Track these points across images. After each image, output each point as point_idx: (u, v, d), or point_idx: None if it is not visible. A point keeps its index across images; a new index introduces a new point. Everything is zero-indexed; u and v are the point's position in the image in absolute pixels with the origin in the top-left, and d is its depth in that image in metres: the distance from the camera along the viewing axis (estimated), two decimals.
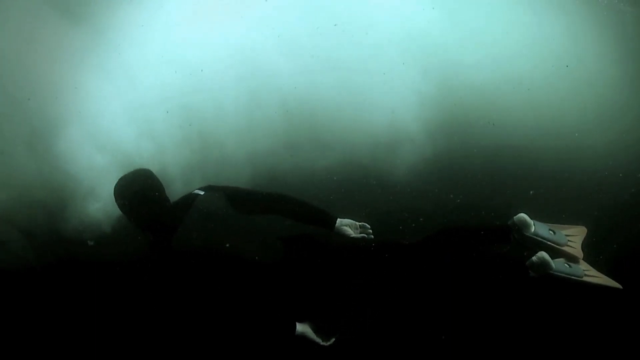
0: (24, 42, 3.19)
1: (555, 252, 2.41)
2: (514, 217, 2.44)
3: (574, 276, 2.33)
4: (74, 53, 3.35)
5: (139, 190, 2.35)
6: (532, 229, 2.42)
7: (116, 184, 2.38)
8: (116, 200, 2.38)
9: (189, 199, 2.40)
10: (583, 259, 2.44)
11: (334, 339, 2.21)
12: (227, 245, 2.24)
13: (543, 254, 2.31)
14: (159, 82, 3.73)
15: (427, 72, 3.87)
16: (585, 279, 2.34)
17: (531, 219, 2.44)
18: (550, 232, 2.47)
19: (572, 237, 2.51)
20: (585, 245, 2.47)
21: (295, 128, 3.89)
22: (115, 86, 3.59)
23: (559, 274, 2.31)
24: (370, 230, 2.60)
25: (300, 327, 2.17)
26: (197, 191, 2.44)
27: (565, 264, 2.37)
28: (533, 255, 2.32)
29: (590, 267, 2.41)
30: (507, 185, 3.09)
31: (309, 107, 3.92)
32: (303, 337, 2.16)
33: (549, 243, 2.42)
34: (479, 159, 3.40)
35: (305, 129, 3.90)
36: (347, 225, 2.56)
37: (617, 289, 2.33)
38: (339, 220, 2.56)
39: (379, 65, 3.88)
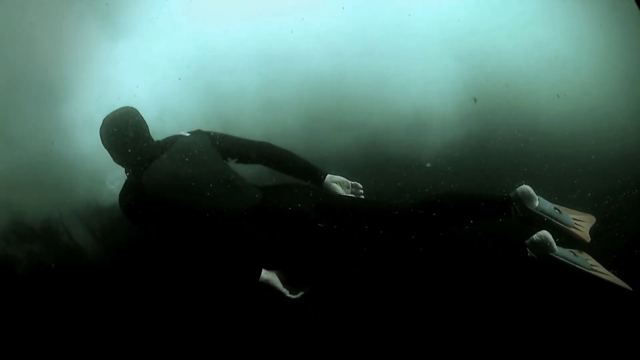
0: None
1: (560, 233, 2.21)
2: (517, 189, 2.24)
3: (579, 266, 2.11)
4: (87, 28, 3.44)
5: (121, 125, 2.33)
6: (536, 204, 2.22)
7: (102, 120, 2.38)
8: (100, 135, 2.38)
9: (172, 139, 2.39)
10: (591, 256, 2.21)
11: (301, 293, 2.10)
12: (197, 184, 2.20)
13: (545, 233, 2.12)
14: (178, 58, 3.75)
15: (460, 55, 3.72)
16: (592, 272, 2.12)
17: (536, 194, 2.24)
18: (556, 210, 2.26)
19: (580, 223, 2.28)
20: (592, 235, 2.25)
21: (316, 109, 3.82)
22: (131, 66, 3.65)
23: (561, 259, 2.11)
24: (362, 191, 2.50)
25: (267, 275, 2.08)
26: (183, 133, 2.43)
27: (571, 252, 2.16)
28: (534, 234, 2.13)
29: (598, 264, 2.18)
30: (535, 173, 2.87)
31: (332, 89, 3.84)
32: (267, 285, 2.07)
33: (553, 221, 2.21)
34: (507, 145, 3.20)
35: (327, 110, 3.82)
36: (338, 182, 2.45)
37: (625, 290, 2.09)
38: (329, 176, 2.46)
39: (409, 46, 3.78)
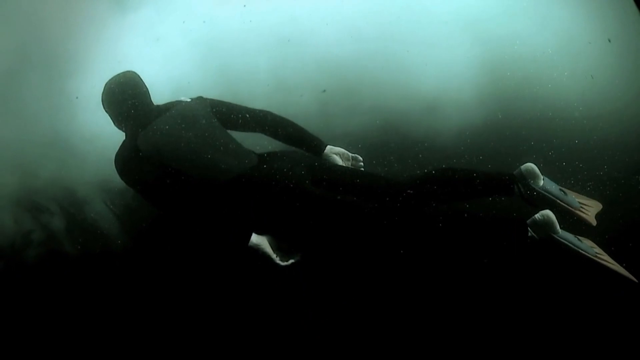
0: None
1: (564, 215, 2.12)
2: (521, 166, 2.17)
3: (584, 251, 2.01)
4: None
5: (121, 88, 2.35)
6: (541, 183, 2.14)
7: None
8: (101, 98, 2.41)
9: (172, 103, 2.40)
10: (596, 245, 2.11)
11: (292, 260, 2.05)
12: (191, 146, 2.19)
13: (548, 212, 2.02)
14: (192, 36, 3.77)
15: (480, 38, 3.65)
16: (597, 259, 2.01)
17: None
18: (562, 191, 2.17)
19: (586, 207, 2.20)
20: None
21: (330, 91, 3.79)
22: (146, 41, 3.67)
23: (565, 242, 2.01)
24: (362, 164, 2.47)
25: (257, 239, 2.04)
26: (183, 98, 2.43)
27: (576, 237, 2.06)
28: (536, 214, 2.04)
29: (603, 252, 2.07)
30: (553, 157, 2.78)
31: (349, 72, 3.81)
32: (257, 249, 2.03)
33: (558, 201, 2.13)
34: (526, 129, 3.12)
35: (342, 92, 3.78)
36: (337, 154, 2.42)
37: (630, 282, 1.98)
38: (329, 147, 2.43)
39: (429, 29, 3.73)
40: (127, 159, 2.18)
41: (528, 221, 2.04)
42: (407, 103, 3.52)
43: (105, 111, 2.42)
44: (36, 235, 2.82)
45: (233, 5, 3.82)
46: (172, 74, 3.67)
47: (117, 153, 2.24)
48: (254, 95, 3.76)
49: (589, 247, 2.05)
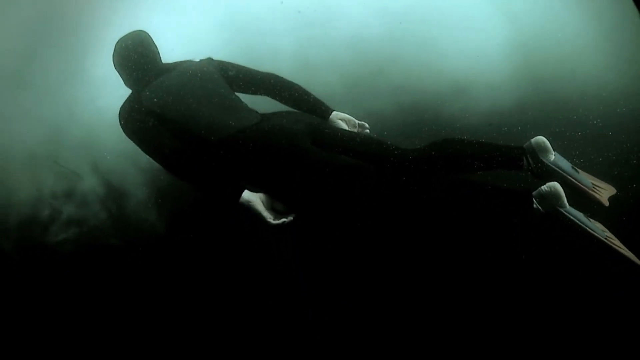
0: None
1: (575, 192, 2.00)
2: (532, 140, 2.06)
3: (592, 230, 1.88)
4: None
5: (130, 46, 2.35)
6: (552, 157, 2.03)
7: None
8: (112, 58, 2.41)
9: (180, 62, 2.40)
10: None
11: (283, 220, 1.96)
12: (194, 102, 2.18)
13: (556, 184, 1.91)
14: (215, 21, 3.80)
15: (514, 20, 3.59)
16: (607, 242, 1.88)
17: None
18: (574, 169, 2.06)
19: (599, 189, 2.07)
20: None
21: (357, 71, 3.76)
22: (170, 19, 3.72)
23: (572, 218, 1.89)
24: (368, 131, 2.41)
25: (249, 195, 1.98)
26: (192, 58, 2.43)
27: (587, 217, 1.94)
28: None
29: (614, 237, 1.94)
30: (581, 140, 2.69)
31: (377, 53, 3.79)
32: (247, 206, 1.97)
33: (570, 178, 2.01)
34: (556, 112, 3.01)
35: (367, 73, 3.76)
36: (343, 120, 2.37)
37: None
38: (334, 112, 2.38)
39: (462, 12, 3.70)
40: (129, 111, 2.19)
41: (534, 192, 1.93)
42: (437, 84, 3.49)
43: (116, 70, 2.43)
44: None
45: None
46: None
47: (121, 106, 2.26)
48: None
49: (598, 228, 1.93)
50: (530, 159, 2.05)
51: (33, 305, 2.41)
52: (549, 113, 2.96)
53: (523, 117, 3.00)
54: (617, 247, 1.89)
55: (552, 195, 1.89)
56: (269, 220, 1.96)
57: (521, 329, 1.97)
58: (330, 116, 2.37)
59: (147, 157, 2.18)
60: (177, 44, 3.49)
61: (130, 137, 2.21)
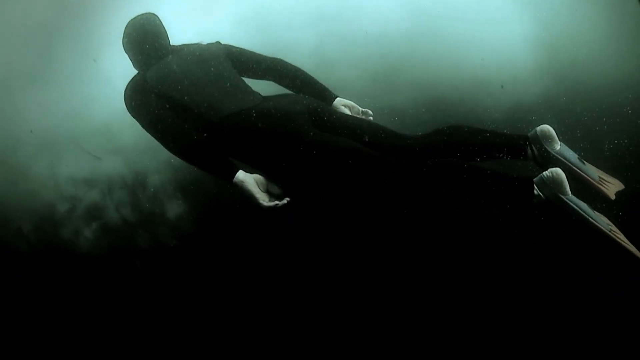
0: None
1: (580, 183, 1.93)
2: (537, 128, 2.00)
3: (595, 221, 1.81)
4: None
5: (139, 29, 2.39)
6: (557, 147, 1.97)
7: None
8: (122, 40, 2.44)
9: (188, 44, 2.44)
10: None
11: (276, 202, 1.94)
12: (197, 82, 2.20)
13: (558, 170, 1.84)
14: (235, 14, 3.84)
15: (537, 15, 3.52)
16: (611, 235, 1.81)
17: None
18: (580, 160, 1.98)
19: (606, 183, 1.99)
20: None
21: (375, 67, 3.74)
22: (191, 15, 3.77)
23: (575, 207, 1.82)
24: (372, 118, 2.41)
25: (243, 176, 1.98)
26: (200, 41, 2.46)
27: (591, 208, 1.87)
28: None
29: (619, 231, 1.86)
30: (604, 136, 2.60)
31: (399, 48, 3.76)
32: (241, 186, 1.96)
33: (575, 169, 1.94)
34: (579, 105, 2.97)
35: (387, 67, 3.73)
36: (346, 106, 2.38)
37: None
38: (338, 99, 2.39)
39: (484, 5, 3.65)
40: (134, 90, 2.22)
41: (535, 178, 1.87)
42: (456, 79, 3.44)
43: (126, 52, 2.46)
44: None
45: None
46: None
47: (126, 86, 2.29)
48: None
49: (602, 220, 1.85)
50: (534, 148, 1.99)
51: (48, 301, 2.50)
52: (572, 107, 2.90)
53: (544, 112, 2.93)
54: (621, 241, 1.81)
55: (554, 181, 1.83)
56: (261, 201, 1.95)
57: (521, 328, 1.92)
58: (334, 102, 2.38)
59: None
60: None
61: (134, 116, 2.24)
